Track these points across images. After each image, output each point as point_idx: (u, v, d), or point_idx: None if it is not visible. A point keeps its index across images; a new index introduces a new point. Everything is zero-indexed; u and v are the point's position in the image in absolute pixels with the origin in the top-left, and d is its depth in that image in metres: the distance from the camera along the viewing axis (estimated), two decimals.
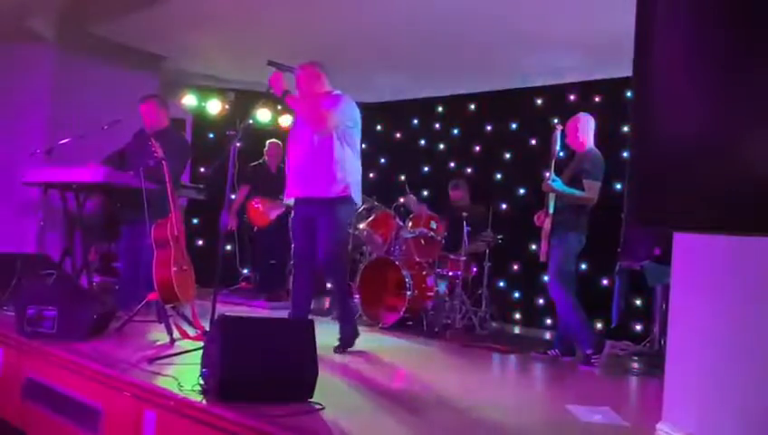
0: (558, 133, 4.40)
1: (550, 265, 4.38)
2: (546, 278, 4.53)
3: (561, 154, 4.48)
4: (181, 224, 4.15)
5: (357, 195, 4.06)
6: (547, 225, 4.37)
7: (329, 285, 6.58)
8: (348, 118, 3.97)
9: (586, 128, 4.46)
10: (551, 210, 4.36)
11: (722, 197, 1.47)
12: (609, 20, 4.71)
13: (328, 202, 3.91)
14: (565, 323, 4.42)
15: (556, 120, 4.83)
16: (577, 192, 4.28)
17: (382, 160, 8.28)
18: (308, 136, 3.96)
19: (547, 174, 4.36)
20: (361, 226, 5.93)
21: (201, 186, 6.60)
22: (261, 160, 6.75)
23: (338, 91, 4.08)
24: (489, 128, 7.34)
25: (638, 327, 5.89)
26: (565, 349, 4.44)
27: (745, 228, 1.54)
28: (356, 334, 4.05)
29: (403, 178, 7.74)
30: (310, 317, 3.56)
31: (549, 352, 4.48)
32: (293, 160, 4.06)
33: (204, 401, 2.45)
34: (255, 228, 6.65)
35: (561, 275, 4.31)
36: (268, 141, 6.83)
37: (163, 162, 4.06)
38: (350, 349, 3.98)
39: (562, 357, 4.42)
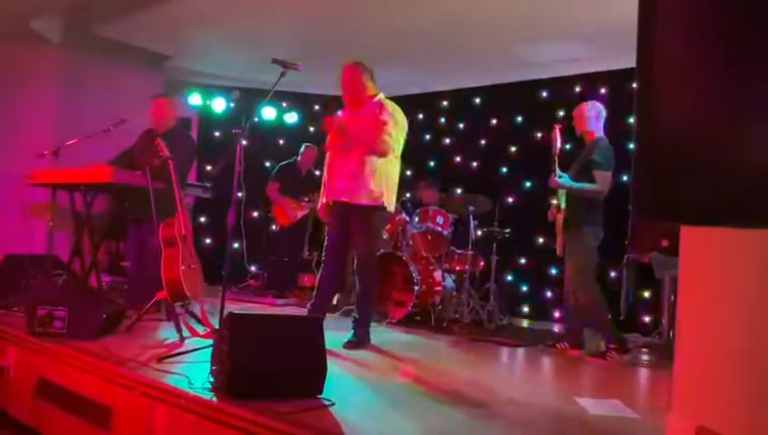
0: (557, 132, 4.35)
1: (567, 264, 4.34)
2: (557, 271, 4.51)
3: (568, 147, 4.44)
4: (189, 222, 4.16)
5: (391, 200, 4.14)
6: (559, 220, 4.34)
7: None
8: (398, 133, 4.11)
9: (592, 115, 4.39)
10: (562, 205, 4.33)
11: (729, 191, 1.46)
12: (613, 10, 4.69)
13: (362, 209, 4.00)
14: (586, 318, 4.36)
15: (561, 113, 4.81)
16: (586, 186, 4.22)
17: None
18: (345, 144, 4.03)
19: (554, 171, 4.30)
20: None
21: (208, 184, 6.63)
22: (292, 160, 6.84)
23: (380, 96, 4.13)
24: (494, 121, 7.32)
25: (647, 319, 5.87)
26: (574, 342, 4.43)
27: (753, 222, 1.53)
28: (368, 340, 4.09)
29: (409, 173, 7.76)
30: None
31: (558, 345, 4.48)
32: (331, 164, 4.14)
33: (214, 399, 2.47)
34: (277, 227, 6.73)
35: (582, 274, 4.25)
36: (305, 144, 6.94)
37: (169, 161, 4.07)
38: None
39: (571, 350, 4.41)
